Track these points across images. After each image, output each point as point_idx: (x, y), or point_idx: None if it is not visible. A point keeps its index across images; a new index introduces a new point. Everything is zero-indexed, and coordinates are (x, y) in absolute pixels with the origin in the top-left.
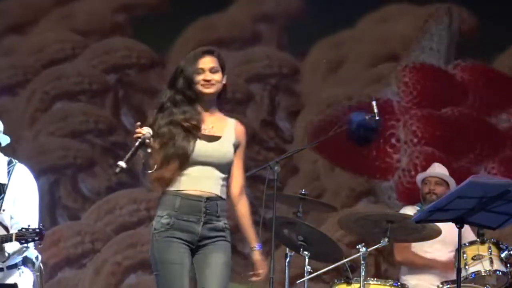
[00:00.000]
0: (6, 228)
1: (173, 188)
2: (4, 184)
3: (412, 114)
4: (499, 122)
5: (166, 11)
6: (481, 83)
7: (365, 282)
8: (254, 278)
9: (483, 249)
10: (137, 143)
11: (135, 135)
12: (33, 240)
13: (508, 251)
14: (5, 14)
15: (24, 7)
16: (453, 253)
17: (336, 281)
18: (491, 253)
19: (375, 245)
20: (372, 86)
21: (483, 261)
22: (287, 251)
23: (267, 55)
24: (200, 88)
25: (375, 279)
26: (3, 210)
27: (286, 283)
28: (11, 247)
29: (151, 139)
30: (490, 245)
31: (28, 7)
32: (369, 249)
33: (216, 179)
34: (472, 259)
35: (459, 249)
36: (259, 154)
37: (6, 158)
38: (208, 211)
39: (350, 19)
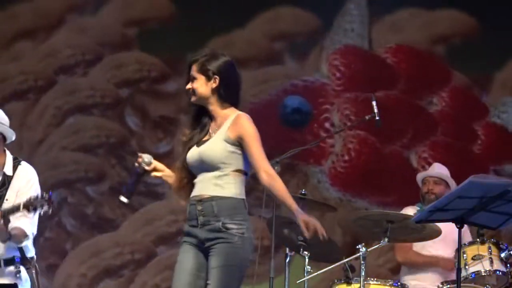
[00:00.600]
0: (8, 220)
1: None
2: (10, 176)
3: (345, 98)
4: (431, 105)
5: (177, 24)
6: (412, 66)
7: (365, 282)
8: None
9: (483, 249)
10: (135, 176)
11: (136, 163)
12: (42, 207)
13: (508, 251)
14: (16, 20)
15: (35, 13)
16: (453, 253)
17: (336, 281)
18: (491, 253)
19: (375, 245)
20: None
21: (483, 261)
22: (287, 251)
23: None
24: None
25: (375, 279)
26: (6, 200)
27: (286, 283)
28: (18, 220)
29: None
30: (490, 245)
31: (39, 13)
32: (369, 249)
33: (207, 180)
34: (472, 259)
35: (459, 249)
36: None
37: (12, 156)
38: (202, 213)
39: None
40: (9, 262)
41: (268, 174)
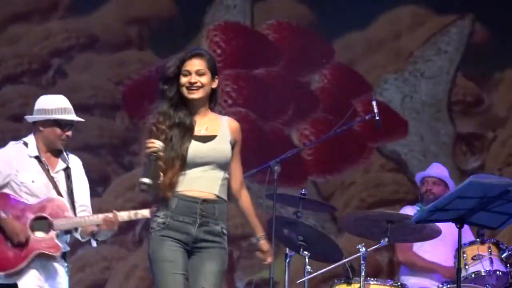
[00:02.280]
0: (73, 210)
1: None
2: (71, 168)
3: (226, 75)
4: (312, 82)
5: (178, 23)
6: (294, 43)
7: (365, 282)
8: (265, 264)
9: (483, 249)
10: (153, 157)
11: (149, 150)
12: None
13: (508, 251)
14: (10, 2)
15: None
16: (453, 253)
17: (336, 281)
18: (491, 253)
19: (375, 245)
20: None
21: (483, 261)
22: (287, 251)
23: None
24: (185, 92)
25: (375, 279)
26: (73, 192)
27: (286, 283)
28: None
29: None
30: (490, 245)
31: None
32: (369, 249)
33: (214, 179)
34: (472, 259)
35: (459, 249)
36: None
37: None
38: (204, 213)
39: None
40: (63, 255)
41: (243, 184)
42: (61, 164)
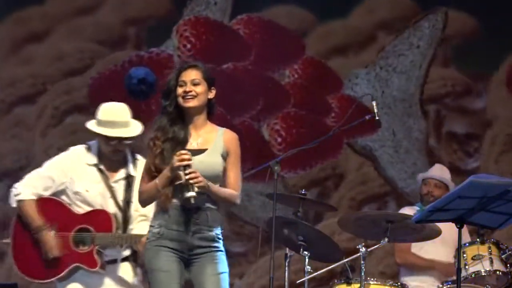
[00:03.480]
0: (127, 220)
1: None
2: (133, 176)
3: None
4: (282, 78)
5: (176, 22)
6: (265, 38)
7: (365, 282)
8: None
9: (483, 249)
10: (188, 170)
11: (184, 163)
12: None
13: (509, 251)
14: (25, 23)
15: (43, 16)
16: (453, 253)
17: (336, 281)
18: (491, 253)
19: (375, 245)
20: None
21: (483, 261)
22: (287, 251)
23: None
24: (180, 101)
25: (375, 279)
26: (132, 202)
27: (286, 283)
28: (138, 224)
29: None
30: (490, 245)
31: (47, 16)
32: (369, 249)
33: None
34: (472, 259)
35: (459, 249)
36: None
37: (129, 151)
38: (197, 221)
39: None
40: (125, 259)
41: (240, 191)
42: (121, 173)
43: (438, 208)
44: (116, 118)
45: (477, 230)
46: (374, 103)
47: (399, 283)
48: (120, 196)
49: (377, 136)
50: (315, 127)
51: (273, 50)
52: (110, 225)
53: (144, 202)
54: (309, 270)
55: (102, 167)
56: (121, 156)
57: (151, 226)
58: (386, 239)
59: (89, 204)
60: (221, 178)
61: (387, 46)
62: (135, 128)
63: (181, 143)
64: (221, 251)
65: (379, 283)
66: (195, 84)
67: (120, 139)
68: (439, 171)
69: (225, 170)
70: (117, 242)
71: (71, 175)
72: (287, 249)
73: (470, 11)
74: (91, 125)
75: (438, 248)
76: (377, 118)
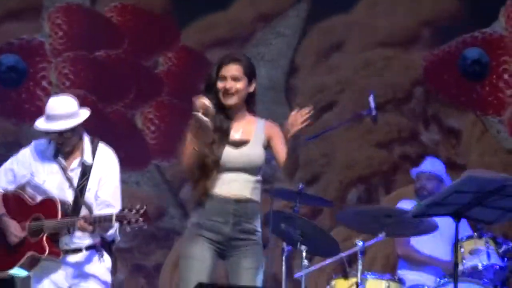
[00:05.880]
0: (89, 208)
1: None
2: (90, 165)
3: (64, 57)
4: (156, 66)
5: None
6: (139, 26)
7: (362, 277)
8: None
9: (480, 243)
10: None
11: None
12: (137, 222)
13: (506, 245)
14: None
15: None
16: (451, 248)
17: (333, 275)
18: (488, 247)
19: (372, 239)
20: None
21: (481, 255)
22: (284, 246)
23: None
24: (221, 97)
25: (372, 273)
26: (89, 189)
27: (283, 277)
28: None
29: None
30: (488, 239)
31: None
32: (366, 244)
33: (245, 182)
34: (470, 253)
35: (456, 243)
36: None
37: (88, 137)
38: (237, 213)
39: None
40: (90, 247)
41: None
42: (76, 162)
43: (435, 202)
44: (55, 111)
45: (475, 224)
46: (370, 99)
47: (396, 277)
48: (75, 184)
49: None
50: (188, 115)
51: (147, 38)
52: (56, 212)
53: (187, 167)
54: (307, 264)
55: (59, 158)
56: (71, 146)
57: (191, 216)
58: (384, 234)
59: (47, 195)
60: (261, 169)
61: (257, 34)
62: (72, 120)
63: (225, 133)
64: (258, 244)
65: (376, 277)
66: (235, 80)
67: (57, 133)
68: (429, 164)
69: (273, 149)
70: (62, 227)
71: (30, 167)
72: (284, 243)
73: None
74: (38, 120)
75: (437, 242)
76: (373, 114)
